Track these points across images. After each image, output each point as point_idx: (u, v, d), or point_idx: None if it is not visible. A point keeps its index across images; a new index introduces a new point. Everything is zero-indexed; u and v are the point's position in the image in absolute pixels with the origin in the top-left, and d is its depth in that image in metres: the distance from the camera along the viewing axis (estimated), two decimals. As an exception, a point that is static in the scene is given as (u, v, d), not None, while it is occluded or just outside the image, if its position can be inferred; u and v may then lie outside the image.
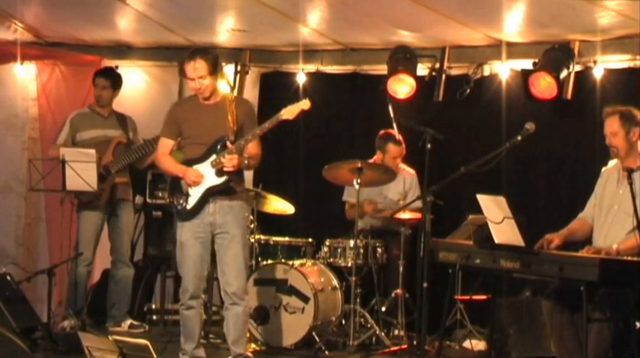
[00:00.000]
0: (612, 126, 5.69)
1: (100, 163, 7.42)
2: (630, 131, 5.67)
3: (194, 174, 6.10)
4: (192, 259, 6.16)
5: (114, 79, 7.89)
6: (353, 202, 7.40)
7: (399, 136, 7.80)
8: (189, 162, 6.18)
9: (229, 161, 6.03)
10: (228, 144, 6.06)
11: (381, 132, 7.90)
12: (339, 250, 7.48)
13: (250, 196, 7.62)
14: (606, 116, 5.76)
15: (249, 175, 8.62)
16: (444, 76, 8.18)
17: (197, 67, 6.08)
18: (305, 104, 6.10)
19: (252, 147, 6.19)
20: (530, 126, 5.99)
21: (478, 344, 7.16)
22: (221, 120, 6.10)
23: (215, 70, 6.14)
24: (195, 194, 6.14)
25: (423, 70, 8.23)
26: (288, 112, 6.07)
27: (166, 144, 6.31)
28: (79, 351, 5.02)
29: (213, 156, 6.11)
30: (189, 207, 6.14)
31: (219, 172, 6.10)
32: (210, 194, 6.12)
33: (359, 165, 7.25)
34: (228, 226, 6.13)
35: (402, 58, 8.06)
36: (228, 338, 6.24)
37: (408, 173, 7.98)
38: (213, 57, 6.16)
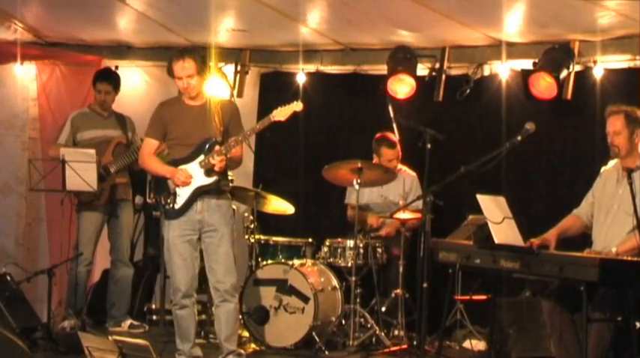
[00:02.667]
0: (616, 125, 5.66)
1: (99, 163, 7.43)
2: (635, 132, 5.64)
3: (184, 174, 6.14)
4: (183, 257, 6.18)
5: (115, 82, 7.91)
6: (355, 205, 7.38)
7: (395, 138, 7.80)
8: (176, 163, 6.22)
9: (219, 162, 6.09)
10: (217, 146, 6.12)
11: (377, 135, 7.90)
12: (339, 250, 7.47)
13: (250, 196, 7.62)
14: (609, 114, 5.72)
15: (249, 175, 8.66)
16: (444, 76, 8.18)
17: (186, 67, 6.12)
18: (297, 106, 6.11)
19: (236, 149, 6.22)
20: (530, 126, 5.99)
21: (478, 344, 7.16)
22: (207, 122, 6.16)
23: (203, 70, 6.18)
24: (183, 193, 6.19)
25: (423, 70, 8.22)
26: (280, 114, 6.09)
27: (151, 144, 6.35)
28: (79, 351, 5.03)
29: (202, 157, 6.15)
30: (177, 206, 6.19)
31: (208, 172, 6.15)
32: (199, 193, 6.16)
33: (359, 165, 7.25)
34: (216, 224, 6.18)
35: (402, 58, 8.06)
36: (220, 335, 6.25)
37: (408, 174, 7.96)
38: (202, 57, 6.23)
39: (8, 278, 7.18)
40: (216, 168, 6.12)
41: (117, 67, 8.40)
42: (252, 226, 7.57)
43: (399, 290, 7.42)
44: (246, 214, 7.92)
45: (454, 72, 8.23)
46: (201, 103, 6.24)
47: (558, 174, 7.88)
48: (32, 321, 7.03)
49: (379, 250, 7.50)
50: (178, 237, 6.18)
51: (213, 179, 6.16)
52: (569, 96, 7.65)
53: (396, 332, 7.36)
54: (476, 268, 5.76)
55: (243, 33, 8.20)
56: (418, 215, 7.23)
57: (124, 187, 7.78)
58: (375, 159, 7.84)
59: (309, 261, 7.46)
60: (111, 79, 7.92)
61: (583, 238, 5.87)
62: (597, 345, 5.39)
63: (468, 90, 8.11)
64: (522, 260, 5.41)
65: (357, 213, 7.27)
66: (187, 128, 6.21)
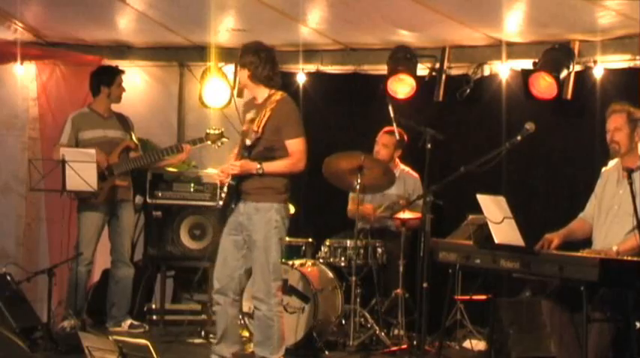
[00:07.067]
0: (617, 122, 5.65)
1: (104, 162, 7.44)
2: (635, 130, 5.63)
3: (224, 168, 6.17)
4: (223, 255, 6.20)
5: None
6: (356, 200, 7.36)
7: (397, 133, 7.79)
8: None
9: (232, 168, 6.06)
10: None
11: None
12: (339, 250, 7.47)
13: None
14: (612, 112, 5.71)
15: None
16: (444, 76, 8.18)
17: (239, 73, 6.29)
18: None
19: (275, 166, 6.09)
20: (530, 126, 5.99)
21: (478, 344, 7.16)
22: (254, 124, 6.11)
23: (244, 67, 6.22)
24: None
25: (423, 70, 8.22)
26: None
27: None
28: (79, 351, 5.01)
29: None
30: (220, 205, 6.25)
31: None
32: (233, 193, 6.12)
33: (361, 158, 7.16)
34: (251, 230, 6.10)
35: (402, 58, 8.06)
36: (253, 339, 6.29)
37: (411, 175, 7.95)
38: (245, 53, 6.28)
39: (8, 278, 7.17)
40: (231, 172, 6.07)
41: (117, 67, 8.39)
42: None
43: (399, 290, 7.42)
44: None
45: (454, 72, 8.23)
46: (262, 102, 6.18)
47: (558, 174, 7.88)
48: (32, 321, 7.03)
49: (379, 250, 7.50)
50: (225, 235, 6.20)
51: (234, 181, 6.09)
52: (569, 96, 7.64)
53: (396, 332, 7.36)
54: (476, 268, 5.76)
55: (243, 33, 8.19)
56: (418, 215, 7.23)
57: (124, 188, 7.77)
58: (375, 149, 7.84)
59: (309, 261, 7.45)
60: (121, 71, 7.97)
61: (583, 238, 5.87)
62: (597, 345, 5.39)
63: (468, 91, 8.11)
64: (522, 260, 5.40)
65: (357, 213, 7.27)
66: (245, 128, 6.22)
